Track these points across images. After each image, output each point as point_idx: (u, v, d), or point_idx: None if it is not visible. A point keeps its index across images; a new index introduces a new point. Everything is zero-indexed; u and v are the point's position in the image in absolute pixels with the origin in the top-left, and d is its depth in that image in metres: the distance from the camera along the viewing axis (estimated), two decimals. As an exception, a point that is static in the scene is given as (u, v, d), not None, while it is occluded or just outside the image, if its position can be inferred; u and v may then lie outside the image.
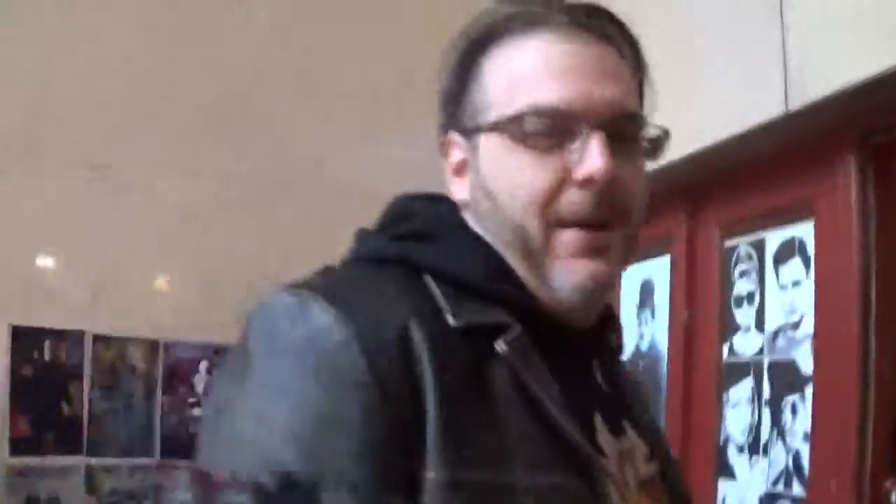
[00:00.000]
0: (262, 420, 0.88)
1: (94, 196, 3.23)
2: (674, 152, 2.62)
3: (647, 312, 3.16)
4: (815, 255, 2.27)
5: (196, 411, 3.14)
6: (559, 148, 0.98)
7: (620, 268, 1.04)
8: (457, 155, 1.07)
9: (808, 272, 2.32)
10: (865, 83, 1.90)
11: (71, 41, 3.23)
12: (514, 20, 1.03)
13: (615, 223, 1.00)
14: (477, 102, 1.04)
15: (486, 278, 1.00)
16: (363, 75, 3.41)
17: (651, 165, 2.58)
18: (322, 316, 0.90)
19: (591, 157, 0.97)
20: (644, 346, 3.14)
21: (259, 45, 3.37)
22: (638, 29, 1.07)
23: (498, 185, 1.01)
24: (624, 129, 1.00)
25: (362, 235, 1.09)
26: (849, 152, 2.10)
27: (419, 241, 1.04)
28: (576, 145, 0.98)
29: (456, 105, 1.07)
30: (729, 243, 2.73)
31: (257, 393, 0.90)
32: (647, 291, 3.17)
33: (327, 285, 0.97)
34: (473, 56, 1.05)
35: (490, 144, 1.02)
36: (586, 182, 0.97)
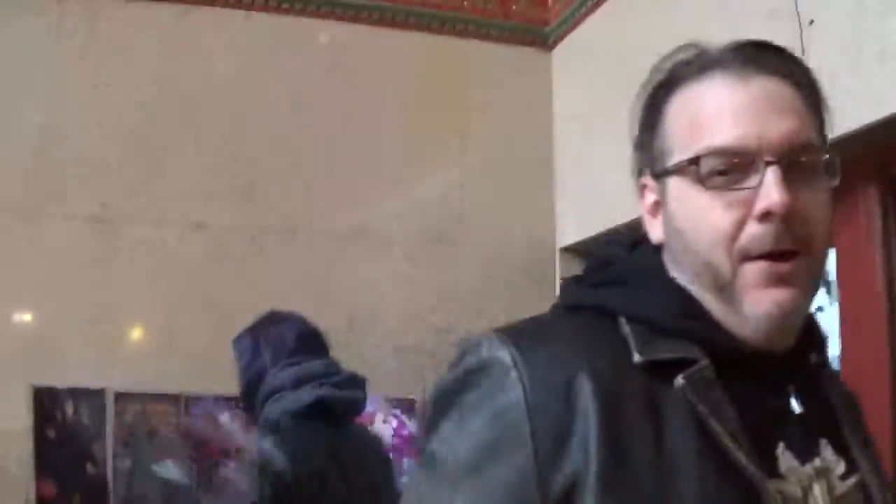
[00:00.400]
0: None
1: (98, 249, 3.26)
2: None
3: None
4: (839, 282, 2.40)
5: (222, 465, 3.14)
6: (739, 184, 1.04)
7: (809, 293, 1.08)
8: (650, 197, 1.15)
9: (830, 299, 2.45)
10: (887, 120, 2.04)
11: (72, 96, 3.28)
12: (690, 66, 1.11)
13: (799, 251, 1.04)
14: (662, 148, 1.12)
15: (675, 316, 1.07)
16: (355, 127, 3.50)
17: None
18: (504, 368, 1.04)
19: (768, 191, 1.02)
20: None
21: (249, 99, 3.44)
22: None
23: (685, 224, 1.08)
24: (801, 160, 1.05)
25: (565, 285, 1.21)
26: (870, 183, 2.24)
27: (615, 286, 1.12)
28: (754, 181, 1.04)
29: (646, 150, 1.15)
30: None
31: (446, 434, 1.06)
32: None
33: (518, 337, 1.07)
34: (657, 104, 1.13)
35: (675, 186, 1.10)
36: (765, 216, 1.02)
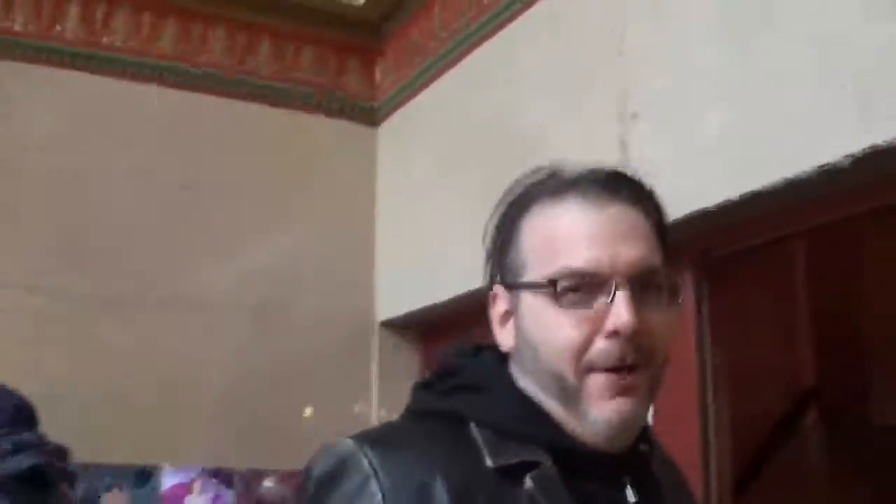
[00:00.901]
0: None
1: None
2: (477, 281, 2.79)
3: None
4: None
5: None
6: (589, 303, 1.14)
7: (648, 401, 1.18)
8: (501, 306, 1.23)
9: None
10: (708, 210, 2.21)
11: None
12: (545, 186, 1.21)
13: (641, 365, 1.14)
14: (517, 262, 1.20)
15: (522, 421, 1.17)
16: (190, 195, 3.47)
17: (474, 283, 2.74)
18: (362, 474, 1.12)
19: (618, 312, 1.12)
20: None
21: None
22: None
23: (537, 337, 1.17)
24: (648, 282, 1.15)
25: (416, 391, 1.27)
26: (686, 269, 2.40)
27: (465, 393, 1.21)
28: (604, 300, 1.13)
29: (499, 262, 1.23)
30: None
31: None
32: None
33: (375, 443, 1.16)
34: (512, 219, 1.22)
35: (529, 300, 1.18)
36: (614, 334, 1.12)
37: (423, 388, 1.26)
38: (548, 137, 2.76)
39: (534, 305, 1.17)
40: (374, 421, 3.52)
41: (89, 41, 3.39)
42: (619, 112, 2.52)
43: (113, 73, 3.41)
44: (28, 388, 3.08)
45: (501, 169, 2.91)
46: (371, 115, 3.82)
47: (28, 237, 3.23)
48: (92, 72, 3.38)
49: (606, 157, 1.36)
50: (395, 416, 3.36)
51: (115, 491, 3.14)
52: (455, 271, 3.11)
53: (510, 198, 1.24)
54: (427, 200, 3.44)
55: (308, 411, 3.45)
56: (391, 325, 3.64)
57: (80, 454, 3.03)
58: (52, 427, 3.01)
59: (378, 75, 3.83)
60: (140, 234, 3.37)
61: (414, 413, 1.24)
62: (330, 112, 3.75)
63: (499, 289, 1.23)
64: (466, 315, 3.19)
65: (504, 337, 1.23)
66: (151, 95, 3.47)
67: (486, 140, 3.06)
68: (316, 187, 3.68)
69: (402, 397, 3.39)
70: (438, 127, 3.44)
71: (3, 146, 3.24)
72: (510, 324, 1.21)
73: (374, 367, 3.60)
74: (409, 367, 3.62)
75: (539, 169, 1.24)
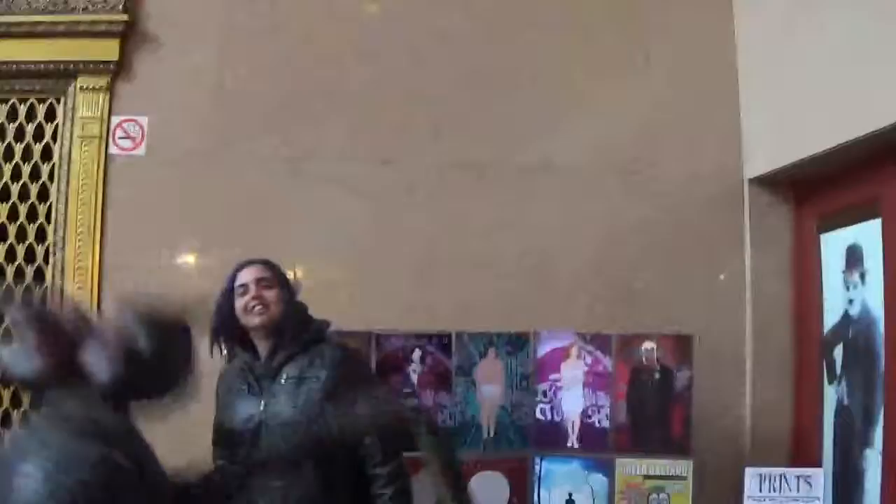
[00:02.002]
0: None
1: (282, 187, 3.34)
2: (883, 118, 2.57)
3: (856, 277, 3.10)
4: None
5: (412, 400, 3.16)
6: None
7: None
8: None
9: None
10: None
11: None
12: None
13: None
14: None
15: None
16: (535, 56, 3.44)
17: (860, 129, 2.50)
18: None
19: None
20: (854, 312, 3.11)
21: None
22: None
23: None
24: None
25: None
26: None
27: None
28: None
29: None
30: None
31: None
32: (854, 256, 3.13)
33: None
34: None
35: None
36: None
37: None
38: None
39: None
40: (747, 284, 3.40)
41: None
42: None
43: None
44: (395, 259, 3.26)
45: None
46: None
47: (385, 114, 3.36)
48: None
49: None
50: (766, 279, 3.28)
51: (490, 357, 3.22)
52: (826, 121, 2.91)
53: None
54: (791, 46, 3.18)
55: (638, 284, 3.37)
56: (761, 182, 3.45)
57: (452, 323, 3.18)
58: (425, 294, 3.19)
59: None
60: (497, 99, 3.41)
61: None
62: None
63: None
64: (839, 168, 3.07)
65: None
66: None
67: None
68: (674, 39, 3.51)
69: (775, 259, 3.29)
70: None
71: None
72: None
73: (746, 228, 3.44)
74: (782, 227, 3.44)
75: None
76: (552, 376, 3.23)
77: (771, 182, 3.42)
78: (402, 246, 3.31)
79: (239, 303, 2.55)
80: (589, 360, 3.21)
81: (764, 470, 2.88)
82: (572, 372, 3.20)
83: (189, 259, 3.29)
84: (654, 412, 3.17)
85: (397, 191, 3.35)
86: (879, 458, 2.88)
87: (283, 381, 2.49)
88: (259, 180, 3.33)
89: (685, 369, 3.16)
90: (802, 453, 3.27)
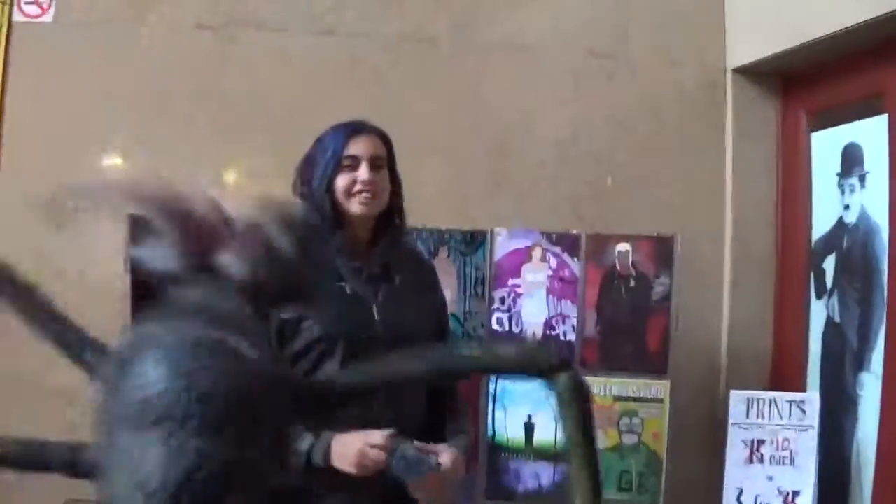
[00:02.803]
0: None
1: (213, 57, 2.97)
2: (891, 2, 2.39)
3: (854, 180, 2.83)
4: None
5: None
6: None
7: None
8: None
9: None
10: None
11: None
12: None
13: None
14: None
15: None
16: None
17: (865, 14, 2.34)
18: None
19: None
20: (850, 218, 2.82)
21: None
22: None
23: None
24: None
25: None
26: None
27: None
28: None
29: None
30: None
31: None
32: (852, 157, 2.85)
33: None
34: None
35: None
36: None
37: None
38: None
39: None
40: (728, 186, 3.14)
41: None
42: None
43: None
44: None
45: None
46: None
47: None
48: None
49: None
50: (749, 181, 3.09)
51: (441, 258, 2.93)
52: (823, 2, 2.73)
53: None
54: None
55: (609, 180, 3.09)
56: (746, 72, 3.19)
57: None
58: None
59: None
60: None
61: None
62: None
63: None
64: (835, 59, 2.88)
65: None
66: None
67: None
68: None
69: (758, 158, 3.09)
70: None
71: None
72: None
73: (728, 122, 3.18)
74: (768, 124, 3.18)
75: None
76: (511, 281, 2.93)
77: (757, 73, 3.17)
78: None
79: (342, 179, 2.07)
80: (554, 263, 2.92)
81: (751, 393, 2.61)
82: (534, 276, 2.92)
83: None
84: (627, 324, 2.90)
85: (339, 65, 3.01)
86: (879, 383, 2.62)
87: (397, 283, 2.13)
88: (183, 52, 2.95)
89: (664, 276, 2.88)
90: (784, 375, 3.03)
